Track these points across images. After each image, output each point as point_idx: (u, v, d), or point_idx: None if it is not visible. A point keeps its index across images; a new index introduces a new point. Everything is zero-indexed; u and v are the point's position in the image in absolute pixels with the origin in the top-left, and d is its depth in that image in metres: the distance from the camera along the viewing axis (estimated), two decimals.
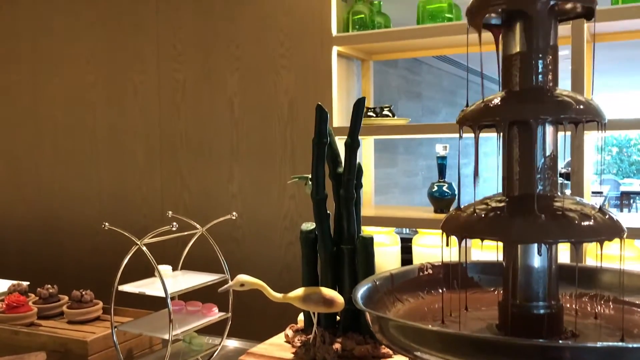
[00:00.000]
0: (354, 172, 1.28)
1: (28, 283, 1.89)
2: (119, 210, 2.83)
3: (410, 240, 2.39)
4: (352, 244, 1.28)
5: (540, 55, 0.78)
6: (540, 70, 0.78)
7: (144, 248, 1.45)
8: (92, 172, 2.90)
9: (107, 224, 1.50)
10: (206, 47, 2.58)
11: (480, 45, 0.80)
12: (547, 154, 0.80)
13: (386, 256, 2.31)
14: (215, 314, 1.58)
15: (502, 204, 0.79)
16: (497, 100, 0.80)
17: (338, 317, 1.32)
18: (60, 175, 2.99)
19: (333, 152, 1.31)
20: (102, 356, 1.55)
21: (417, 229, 2.32)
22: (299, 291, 1.23)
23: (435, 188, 2.31)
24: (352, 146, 1.27)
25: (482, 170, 2.44)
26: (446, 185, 2.32)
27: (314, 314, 1.26)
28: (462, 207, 0.85)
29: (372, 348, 1.23)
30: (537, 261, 0.80)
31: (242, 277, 1.23)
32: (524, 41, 0.79)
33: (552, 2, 0.77)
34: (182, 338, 1.61)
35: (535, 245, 0.78)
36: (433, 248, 2.24)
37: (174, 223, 1.47)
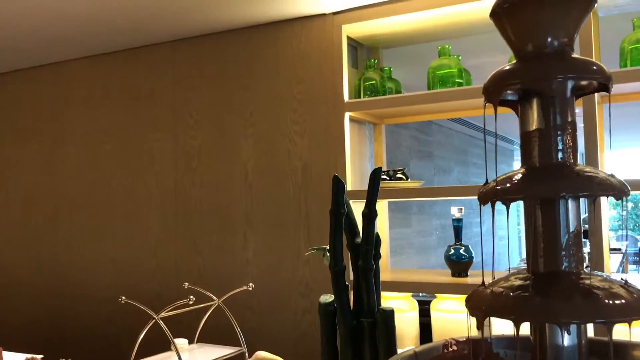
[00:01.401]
0: (372, 242, 1.27)
1: (42, 357, 1.86)
2: (134, 279, 2.82)
3: (427, 302, 2.35)
4: (372, 317, 1.26)
5: (559, 132, 0.78)
6: (559, 147, 0.78)
7: (161, 322, 1.44)
8: (107, 240, 2.91)
9: (124, 297, 1.49)
10: (221, 115, 2.63)
11: (496, 121, 0.81)
12: (571, 229, 0.79)
13: (404, 322, 2.26)
14: None
15: (528, 282, 0.78)
16: (516, 178, 0.80)
17: None
18: (75, 244, 2.99)
19: (350, 222, 1.31)
20: None
21: (435, 294, 2.28)
22: None
23: (452, 251, 2.29)
24: (370, 216, 1.26)
25: (497, 229, 2.42)
26: (463, 248, 2.30)
27: None
28: (485, 284, 0.83)
29: None
30: (566, 340, 0.78)
31: (261, 354, 1.20)
32: (541, 118, 0.79)
33: (568, 83, 0.78)
34: None
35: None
36: (452, 313, 2.20)
37: (191, 297, 1.46)
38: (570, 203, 0.79)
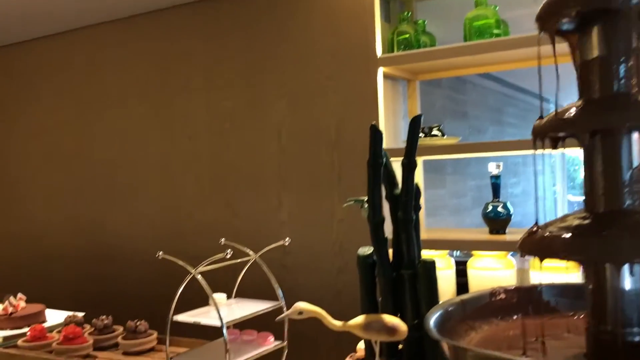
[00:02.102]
0: (412, 193, 1.22)
1: (83, 314, 1.87)
2: (171, 240, 2.82)
3: (462, 263, 2.29)
4: (412, 269, 1.22)
5: (623, 59, 0.71)
6: (622, 74, 0.71)
7: (199, 277, 1.42)
8: (144, 203, 2.91)
9: (161, 252, 1.48)
10: (253, 75, 2.58)
11: (555, 51, 0.74)
12: (635, 164, 0.72)
13: (441, 280, 2.21)
14: (271, 343, 1.53)
15: (587, 221, 0.72)
16: (574, 110, 0.73)
17: (400, 346, 1.25)
18: (113, 207, 3.01)
19: (389, 173, 1.25)
20: None
21: (472, 252, 2.23)
22: (360, 319, 1.17)
23: (490, 208, 2.22)
24: (410, 166, 1.21)
25: (533, 189, 2.34)
26: (501, 205, 2.23)
27: (375, 342, 1.19)
28: (540, 225, 0.78)
29: None
30: (629, 282, 0.73)
31: (301, 305, 1.17)
32: (603, 45, 0.72)
33: (632, 3, 0.70)
34: None
35: (627, 266, 0.70)
36: (490, 271, 2.14)
37: (229, 250, 1.43)
38: (634, 136, 0.72)
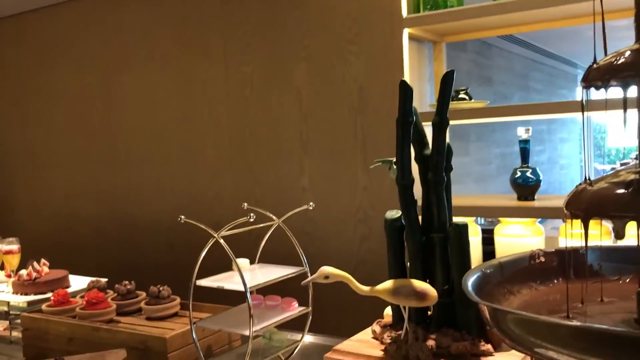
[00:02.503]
0: (443, 153, 1.16)
1: (106, 280, 1.86)
2: (192, 208, 2.80)
3: (487, 231, 2.23)
4: (443, 232, 1.16)
5: None
6: None
7: (222, 240, 1.38)
8: (165, 170, 2.88)
9: (183, 217, 1.44)
10: (272, 38, 2.51)
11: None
12: None
13: None
14: (295, 309, 1.49)
15: None
16: (630, 53, 0.66)
17: (430, 312, 1.21)
18: (134, 174, 2.99)
19: (419, 132, 1.19)
20: (181, 353, 1.48)
21: (499, 219, 2.17)
22: (388, 283, 1.12)
23: (518, 174, 2.15)
24: (441, 125, 1.15)
25: (559, 157, 2.25)
26: (530, 170, 2.16)
27: (404, 308, 1.14)
28: (589, 181, 0.71)
29: (470, 345, 1.10)
30: None
31: (327, 269, 1.13)
32: None
33: None
34: (262, 334, 1.53)
35: None
36: (518, 238, 2.08)
37: (252, 214, 1.39)
38: None
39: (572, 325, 0.63)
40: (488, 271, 0.83)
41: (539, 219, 2.25)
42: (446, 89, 1.13)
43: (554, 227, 2.39)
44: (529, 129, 2.19)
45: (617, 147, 4.96)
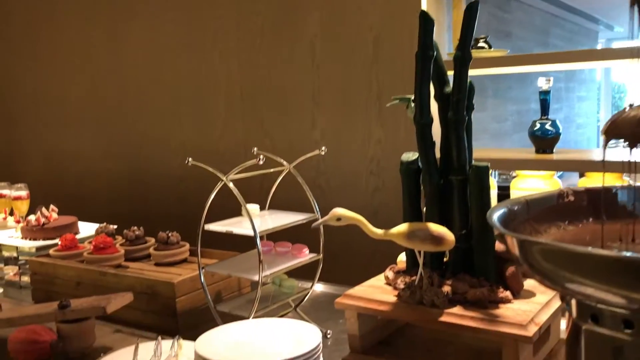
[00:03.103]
0: (465, 90, 1.08)
1: (115, 226, 1.81)
2: (202, 160, 2.73)
3: (503, 188, 2.16)
4: (462, 175, 1.09)
5: None
6: None
7: (230, 184, 1.32)
8: (175, 122, 2.82)
9: (190, 159, 1.38)
10: None
11: None
12: None
13: None
14: (306, 255, 1.44)
15: None
16: None
17: (446, 258, 1.15)
18: (143, 127, 2.92)
19: (439, 68, 1.11)
20: (189, 298, 1.44)
21: (516, 174, 2.09)
22: (403, 227, 1.06)
23: (537, 126, 2.06)
24: (463, 59, 1.06)
25: (575, 116, 2.15)
26: (549, 122, 2.07)
27: (419, 252, 1.08)
28: (633, 105, 0.64)
29: (487, 291, 1.04)
30: None
31: (339, 211, 1.07)
32: None
33: None
34: (271, 280, 1.48)
35: None
36: (535, 192, 2.00)
37: (261, 156, 1.32)
38: None
39: (612, 256, 0.56)
40: (515, 208, 0.76)
41: (558, 173, 2.18)
42: (470, 20, 1.05)
43: (572, 184, 2.30)
44: (550, 79, 2.09)
45: None
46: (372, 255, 2.28)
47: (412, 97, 1.11)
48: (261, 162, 1.33)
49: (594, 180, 1.81)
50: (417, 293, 1.07)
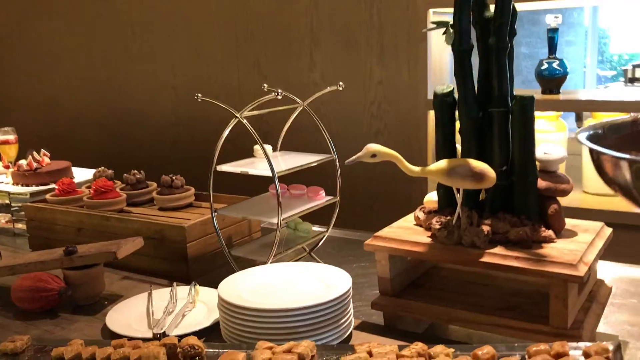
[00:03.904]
0: (508, 15, 0.98)
1: (112, 171, 1.70)
2: (196, 104, 2.60)
3: None
4: (505, 107, 1.00)
5: None
6: None
7: (244, 121, 1.22)
8: (167, 65, 2.67)
9: (200, 95, 1.27)
10: None
11: None
12: None
13: None
14: (323, 198, 1.35)
15: None
16: None
17: (482, 196, 1.07)
18: (135, 71, 2.77)
19: None
20: (200, 243, 1.35)
21: None
22: (442, 163, 0.98)
23: (545, 65, 1.97)
24: None
25: (564, 61, 2.02)
26: (557, 62, 1.98)
27: (457, 190, 1.00)
28: None
29: (530, 231, 0.97)
30: None
31: (374, 146, 0.97)
32: None
33: None
34: (286, 224, 1.40)
35: None
36: (540, 133, 1.93)
37: (279, 90, 1.22)
38: None
39: None
40: (599, 132, 0.68)
41: (563, 114, 2.10)
42: None
43: (571, 129, 2.23)
44: (558, 17, 1.99)
45: (620, 52, 4.75)
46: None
47: (451, 22, 1.00)
48: (279, 97, 1.22)
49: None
50: (455, 233, 0.99)
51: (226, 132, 1.22)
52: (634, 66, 3.14)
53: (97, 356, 0.94)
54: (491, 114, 1.01)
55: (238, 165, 1.30)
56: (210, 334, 1.04)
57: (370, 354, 0.84)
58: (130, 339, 0.97)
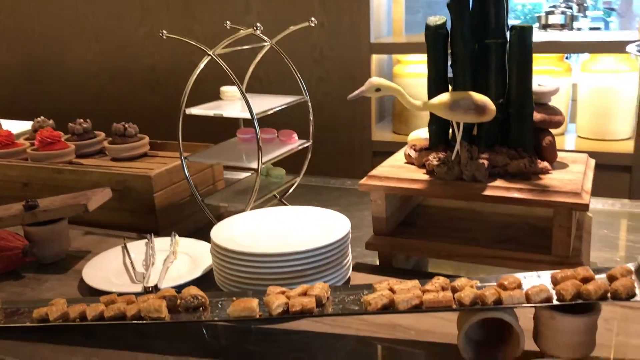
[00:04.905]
0: None
1: (53, 121, 1.53)
2: (121, 52, 2.41)
3: None
4: (502, 38, 0.98)
5: None
6: None
7: (218, 59, 1.12)
8: (87, 8, 2.43)
9: (164, 31, 1.14)
10: None
11: None
12: None
13: None
14: (296, 141, 1.29)
15: None
16: None
17: (475, 131, 1.05)
18: (47, 15, 2.50)
19: None
20: (166, 193, 1.25)
21: None
22: (444, 97, 0.94)
23: None
24: None
25: None
26: None
27: (457, 125, 0.97)
28: None
29: (528, 162, 0.97)
30: None
31: (377, 80, 0.92)
32: None
33: None
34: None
35: None
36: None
37: (258, 24, 1.13)
38: None
39: None
40: None
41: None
42: None
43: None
44: None
45: (523, 2, 4.89)
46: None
47: None
48: (259, 32, 1.13)
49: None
50: (455, 168, 0.97)
51: (197, 71, 1.12)
52: (547, 13, 3.25)
53: (87, 314, 0.84)
54: (487, 46, 0.98)
55: (210, 108, 1.20)
56: (198, 284, 0.97)
57: (392, 290, 0.80)
58: (120, 294, 0.88)
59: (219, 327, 0.88)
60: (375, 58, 2.11)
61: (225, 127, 1.36)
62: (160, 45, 2.33)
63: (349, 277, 0.99)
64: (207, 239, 0.97)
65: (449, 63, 1.03)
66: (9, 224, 1.04)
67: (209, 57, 1.12)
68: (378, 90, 0.91)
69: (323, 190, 1.54)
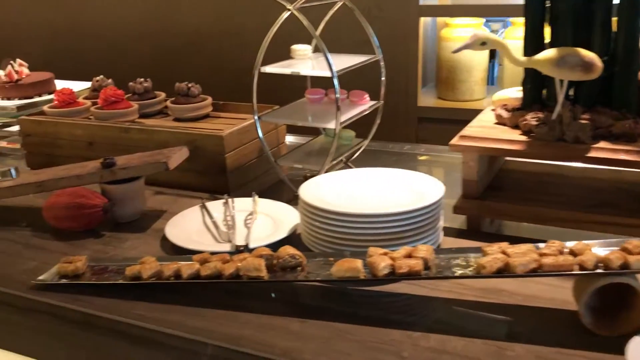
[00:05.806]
0: None
1: (112, 80, 1.48)
2: (163, 15, 2.34)
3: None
4: None
5: None
6: None
7: (297, 13, 1.06)
8: None
9: None
10: None
11: None
12: None
13: (471, 53, 1.93)
14: (367, 102, 1.23)
15: None
16: None
17: (571, 92, 0.98)
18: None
19: None
20: (237, 153, 1.20)
21: (511, 20, 1.94)
22: (551, 52, 0.88)
23: None
24: None
25: None
26: None
27: (561, 82, 0.91)
28: None
29: (634, 124, 0.90)
30: None
31: (482, 34, 0.86)
32: None
33: None
34: (324, 132, 1.27)
35: None
36: None
37: None
38: None
39: None
40: None
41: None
42: None
43: None
44: None
45: None
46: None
47: None
48: None
49: None
50: (556, 129, 0.91)
51: (276, 26, 1.06)
52: None
53: (183, 272, 0.80)
54: (593, 1, 0.91)
55: (284, 66, 1.14)
56: (282, 244, 0.92)
57: (505, 254, 0.75)
58: (213, 253, 0.84)
59: (308, 288, 0.84)
60: (423, 21, 2.04)
61: (294, 89, 1.31)
62: (204, 6, 2.26)
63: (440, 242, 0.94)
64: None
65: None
66: (87, 182, 1.00)
67: (289, 12, 1.06)
68: (484, 44, 0.85)
69: (380, 154, 1.48)
